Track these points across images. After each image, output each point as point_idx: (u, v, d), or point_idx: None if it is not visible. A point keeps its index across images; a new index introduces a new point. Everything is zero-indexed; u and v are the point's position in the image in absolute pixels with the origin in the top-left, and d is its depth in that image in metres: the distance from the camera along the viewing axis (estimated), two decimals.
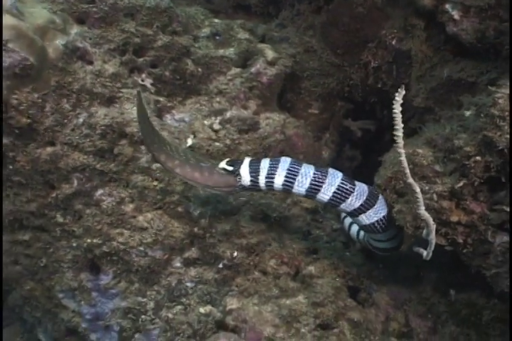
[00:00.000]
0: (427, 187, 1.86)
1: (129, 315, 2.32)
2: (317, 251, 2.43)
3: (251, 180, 2.01)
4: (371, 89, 2.76)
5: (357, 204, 1.97)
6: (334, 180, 1.96)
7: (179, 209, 2.30)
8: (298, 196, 2.14)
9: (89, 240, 2.30)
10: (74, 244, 2.35)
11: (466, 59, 2.36)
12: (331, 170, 1.99)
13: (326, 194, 1.96)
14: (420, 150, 1.95)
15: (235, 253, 2.29)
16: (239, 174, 2.02)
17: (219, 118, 2.52)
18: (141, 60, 2.50)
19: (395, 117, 1.58)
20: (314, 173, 1.95)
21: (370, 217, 2.00)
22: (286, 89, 2.81)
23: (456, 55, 2.42)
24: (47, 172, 2.27)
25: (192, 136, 2.41)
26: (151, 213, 2.29)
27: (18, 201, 2.33)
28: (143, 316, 2.31)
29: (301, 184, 1.96)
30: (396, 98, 1.55)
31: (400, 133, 1.56)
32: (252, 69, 2.66)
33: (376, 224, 2.01)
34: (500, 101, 1.66)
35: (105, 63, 2.40)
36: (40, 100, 2.20)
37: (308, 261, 2.38)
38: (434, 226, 1.65)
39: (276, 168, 1.98)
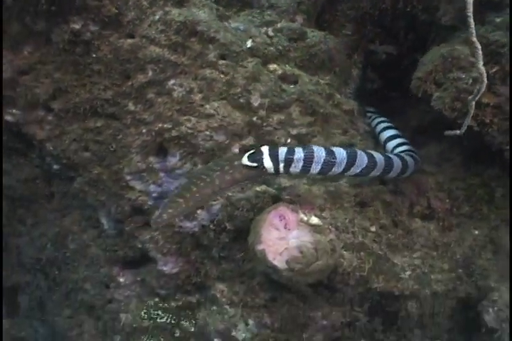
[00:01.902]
0: (463, 75, 2.25)
1: None
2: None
3: (275, 169, 2.20)
4: (400, 13, 3.10)
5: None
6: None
7: (241, 100, 2.63)
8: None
9: (160, 125, 2.61)
10: (144, 130, 2.66)
11: None
12: (335, 149, 2.29)
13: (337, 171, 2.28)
14: (459, 47, 2.33)
15: (289, 140, 2.65)
16: (264, 167, 2.18)
17: (270, 28, 2.84)
18: None
19: None
20: (325, 157, 2.23)
21: None
22: (325, 9, 3.14)
23: None
24: (126, 62, 2.55)
25: (251, 40, 2.71)
26: (217, 102, 2.61)
27: (96, 89, 2.61)
28: None
29: (316, 167, 2.25)
30: None
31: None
32: None
33: None
34: None
35: None
36: None
37: None
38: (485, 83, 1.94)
39: (293, 157, 2.19)
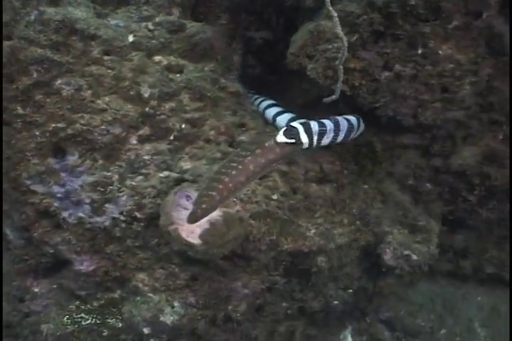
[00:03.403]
0: (330, 46, 2.53)
1: (98, 188, 2.68)
2: (244, 125, 2.99)
3: (309, 143, 2.33)
4: (269, 0, 3.35)
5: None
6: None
7: (131, 92, 2.71)
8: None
9: (53, 125, 2.61)
10: (37, 133, 2.65)
11: None
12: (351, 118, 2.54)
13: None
14: (322, 22, 2.60)
15: (183, 125, 2.77)
16: (301, 142, 2.27)
17: (150, 23, 2.96)
18: None
19: None
20: (347, 125, 2.47)
21: None
22: (199, 2, 3.31)
23: None
24: (7, 65, 2.53)
25: (132, 34, 2.81)
26: (108, 97, 2.67)
27: None
28: (110, 187, 2.69)
29: (341, 135, 2.48)
30: None
31: None
32: None
33: None
34: None
35: None
36: None
37: (239, 132, 2.94)
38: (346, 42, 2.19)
39: (326, 129, 2.37)
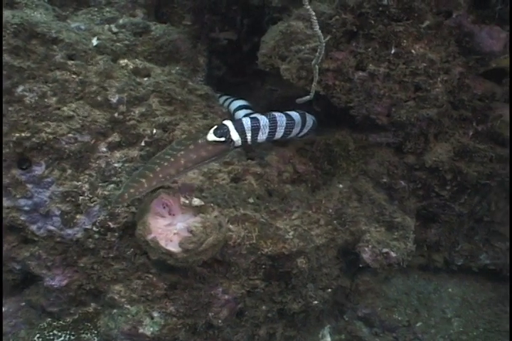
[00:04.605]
0: (303, 47, 2.51)
1: (68, 198, 2.57)
2: None
3: (242, 141, 2.31)
4: (234, 0, 3.30)
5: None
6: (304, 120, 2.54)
7: (98, 98, 2.61)
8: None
9: (17, 134, 2.48)
10: None
11: None
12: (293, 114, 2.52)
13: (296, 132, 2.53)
14: (293, 23, 2.59)
15: (154, 131, 2.69)
16: (232, 140, 2.26)
17: (113, 25, 2.85)
18: None
19: None
20: (287, 121, 2.44)
21: None
22: (161, 2, 3.23)
23: None
24: None
25: (96, 38, 2.70)
26: (74, 103, 2.56)
27: None
28: (81, 197, 2.58)
29: (280, 131, 2.44)
30: None
31: None
32: None
33: None
34: None
35: None
36: None
37: None
38: (324, 45, 2.17)
39: (259, 124, 2.34)
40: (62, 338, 2.78)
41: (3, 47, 2.43)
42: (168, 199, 2.47)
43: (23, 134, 2.48)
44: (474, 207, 2.90)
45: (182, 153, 2.18)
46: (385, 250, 2.63)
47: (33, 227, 2.59)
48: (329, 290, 2.93)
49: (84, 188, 2.58)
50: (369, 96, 2.49)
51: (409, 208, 2.81)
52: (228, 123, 2.28)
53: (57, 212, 2.56)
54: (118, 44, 2.78)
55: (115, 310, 2.67)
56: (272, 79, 3.47)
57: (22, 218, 2.58)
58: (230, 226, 2.54)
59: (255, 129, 2.33)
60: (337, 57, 2.48)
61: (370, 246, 2.63)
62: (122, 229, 2.61)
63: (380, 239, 2.67)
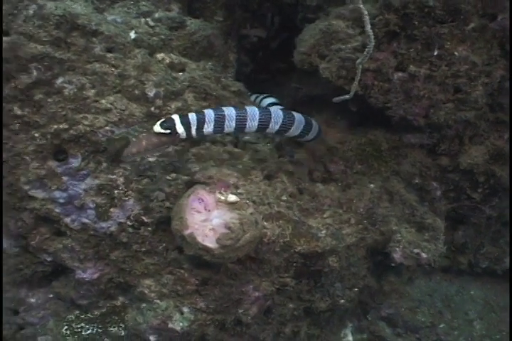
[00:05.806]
0: (343, 46, 2.52)
1: (103, 191, 2.56)
2: None
3: (187, 134, 2.35)
4: None
5: None
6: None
7: (136, 91, 2.60)
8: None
9: (55, 126, 2.47)
10: (36, 134, 2.49)
11: None
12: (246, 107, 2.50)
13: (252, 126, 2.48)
14: (334, 21, 2.59)
15: None
16: (177, 133, 2.32)
17: (149, 18, 2.84)
18: None
19: None
20: (237, 115, 2.41)
21: None
22: None
23: None
24: (5, 62, 2.36)
25: (133, 31, 2.69)
26: (112, 96, 2.55)
27: None
28: (116, 191, 2.58)
29: (231, 124, 2.42)
30: None
31: None
32: None
33: None
34: None
35: None
36: None
37: None
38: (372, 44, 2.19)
39: (204, 118, 2.36)
40: (90, 331, 2.78)
41: (45, 39, 2.42)
42: (204, 195, 2.47)
43: (61, 126, 2.48)
44: (503, 210, 2.91)
45: (144, 135, 2.30)
46: (416, 250, 2.64)
47: (67, 220, 2.59)
48: (356, 289, 2.93)
49: (119, 182, 2.58)
50: (408, 97, 2.49)
51: (440, 210, 2.81)
52: (175, 116, 2.34)
53: (92, 205, 2.56)
54: (154, 38, 2.77)
55: (144, 305, 2.67)
56: (297, 77, 3.46)
57: (56, 210, 2.57)
58: (265, 223, 2.53)
59: (201, 122, 2.37)
60: (377, 57, 2.48)
61: (401, 246, 2.64)
62: (156, 223, 2.62)
63: (411, 240, 2.67)
